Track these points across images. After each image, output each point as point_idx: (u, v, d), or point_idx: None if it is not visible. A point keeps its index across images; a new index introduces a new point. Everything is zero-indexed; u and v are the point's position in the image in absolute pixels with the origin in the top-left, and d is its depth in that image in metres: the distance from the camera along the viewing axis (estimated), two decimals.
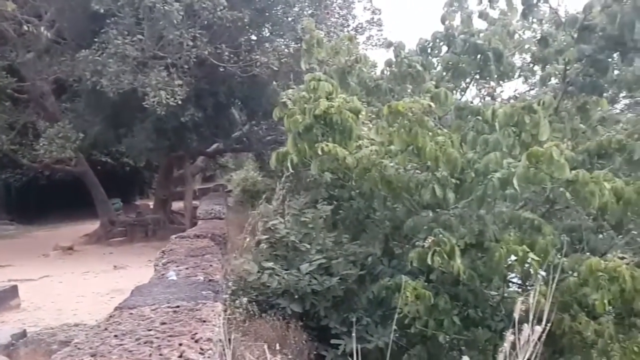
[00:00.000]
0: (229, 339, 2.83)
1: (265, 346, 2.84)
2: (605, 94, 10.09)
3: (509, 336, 2.42)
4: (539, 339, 2.34)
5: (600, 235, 7.05)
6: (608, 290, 5.37)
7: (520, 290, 7.16)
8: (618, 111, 15.83)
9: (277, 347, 5.65)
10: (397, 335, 6.80)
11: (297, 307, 6.93)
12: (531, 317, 2.41)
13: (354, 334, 3.52)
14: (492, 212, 6.46)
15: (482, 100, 9.44)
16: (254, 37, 18.70)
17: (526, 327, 2.38)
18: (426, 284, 6.37)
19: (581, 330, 6.30)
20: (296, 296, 7.02)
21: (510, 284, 7.14)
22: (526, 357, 2.36)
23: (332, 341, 6.75)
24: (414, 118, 5.79)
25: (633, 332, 6.68)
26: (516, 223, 6.28)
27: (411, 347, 7.08)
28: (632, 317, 6.95)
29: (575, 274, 5.61)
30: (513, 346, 2.42)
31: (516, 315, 2.45)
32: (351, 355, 6.16)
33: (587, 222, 6.67)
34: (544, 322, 2.39)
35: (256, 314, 6.59)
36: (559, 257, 6.28)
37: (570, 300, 5.94)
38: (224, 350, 2.98)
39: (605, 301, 5.25)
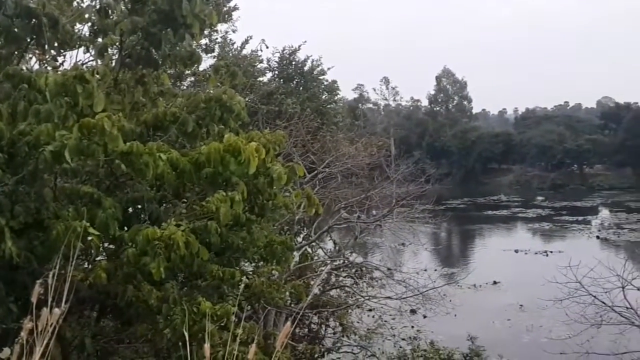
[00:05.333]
0: None
1: None
2: (171, 70, 10.52)
3: (27, 324, 2.22)
4: (57, 321, 2.19)
5: (163, 205, 7.32)
6: (166, 257, 5.58)
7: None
8: (185, 87, 16.87)
9: None
10: None
11: None
12: (50, 299, 2.24)
13: None
14: (52, 187, 6.09)
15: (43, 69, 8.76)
16: None
17: (44, 312, 2.21)
18: None
19: (146, 298, 6.48)
20: None
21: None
22: (45, 343, 2.19)
23: None
24: None
25: (195, 293, 7.18)
26: (77, 198, 6.05)
27: None
28: (196, 279, 7.49)
29: (134, 245, 5.67)
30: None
31: (34, 300, 2.25)
32: None
33: (149, 193, 6.81)
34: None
35: None
36: (124, 229, 6.30)
37: (133, 270, 6.01)
38: None
39: (162, 268, 5.44)
